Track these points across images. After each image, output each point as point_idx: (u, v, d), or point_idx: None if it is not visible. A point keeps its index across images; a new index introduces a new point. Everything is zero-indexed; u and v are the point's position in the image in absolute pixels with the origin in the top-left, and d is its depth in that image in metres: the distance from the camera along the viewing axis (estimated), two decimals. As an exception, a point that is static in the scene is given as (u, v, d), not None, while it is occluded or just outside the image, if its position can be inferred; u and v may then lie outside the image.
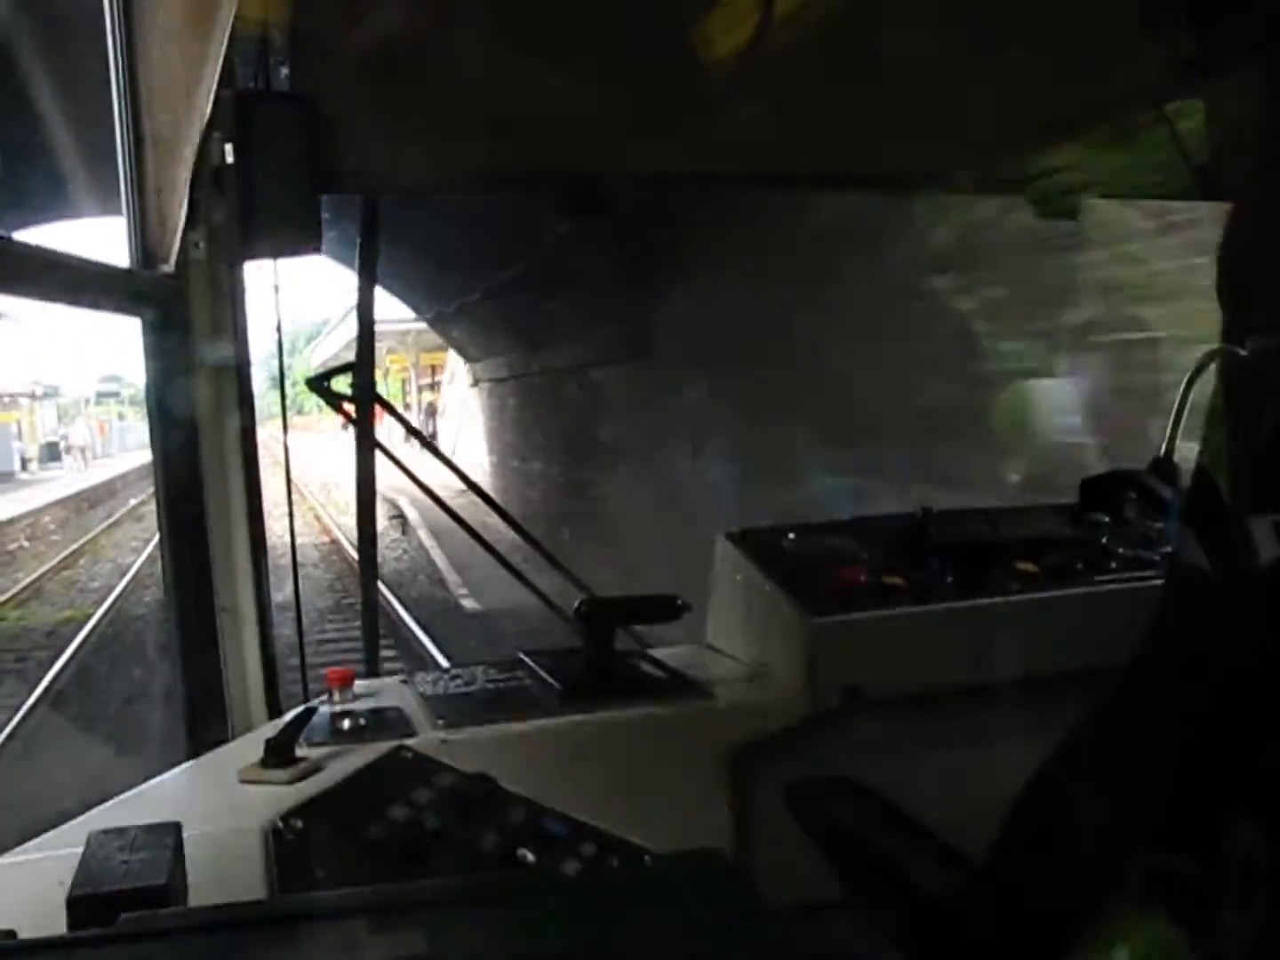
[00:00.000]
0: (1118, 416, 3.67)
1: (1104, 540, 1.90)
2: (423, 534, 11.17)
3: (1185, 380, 1.97)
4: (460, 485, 2.31)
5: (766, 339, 4.69)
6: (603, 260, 5.21)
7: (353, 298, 2.05)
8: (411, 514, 11.70)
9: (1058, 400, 4.03)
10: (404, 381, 28.49)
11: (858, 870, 1.16)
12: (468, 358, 10.25)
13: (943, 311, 4.28)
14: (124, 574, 8.10)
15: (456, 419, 14.02)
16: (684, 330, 5.07)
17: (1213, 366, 1.97)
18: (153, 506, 1.70)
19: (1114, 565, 1.83)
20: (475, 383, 10.33)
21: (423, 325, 12.70)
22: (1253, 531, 0.87)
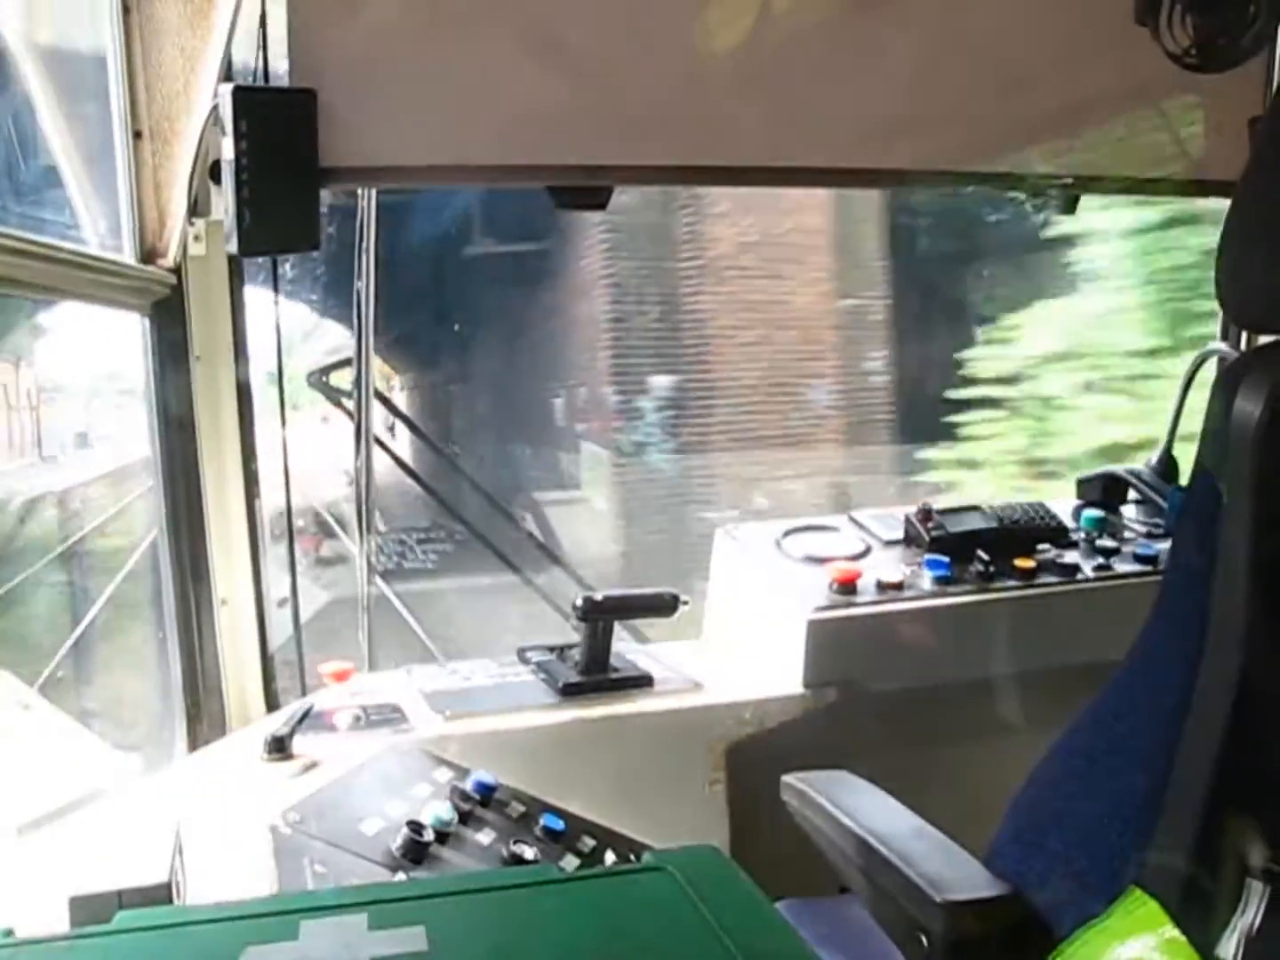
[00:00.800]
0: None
1: (1101, 537, 1.91)
2: (368, 495, 14.09)
3: (1183, 378, 1.97)
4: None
5: (497, 369, 7.87)
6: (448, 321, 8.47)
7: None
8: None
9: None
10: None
11: (855, 864, 1.16)
12: (398, 372, 14.11)
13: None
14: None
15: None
16: (476, 364, 8.38)
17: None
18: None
19: (1111, 562, 1.84)
20: (402, 388, 14.28)
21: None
22: (1249, 529, 0.87)
